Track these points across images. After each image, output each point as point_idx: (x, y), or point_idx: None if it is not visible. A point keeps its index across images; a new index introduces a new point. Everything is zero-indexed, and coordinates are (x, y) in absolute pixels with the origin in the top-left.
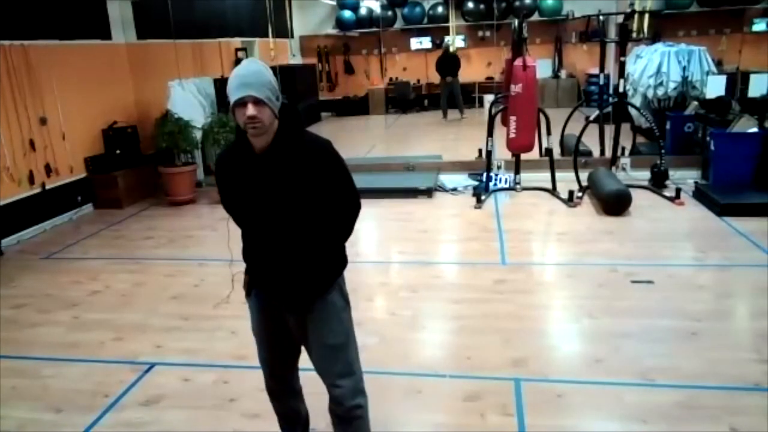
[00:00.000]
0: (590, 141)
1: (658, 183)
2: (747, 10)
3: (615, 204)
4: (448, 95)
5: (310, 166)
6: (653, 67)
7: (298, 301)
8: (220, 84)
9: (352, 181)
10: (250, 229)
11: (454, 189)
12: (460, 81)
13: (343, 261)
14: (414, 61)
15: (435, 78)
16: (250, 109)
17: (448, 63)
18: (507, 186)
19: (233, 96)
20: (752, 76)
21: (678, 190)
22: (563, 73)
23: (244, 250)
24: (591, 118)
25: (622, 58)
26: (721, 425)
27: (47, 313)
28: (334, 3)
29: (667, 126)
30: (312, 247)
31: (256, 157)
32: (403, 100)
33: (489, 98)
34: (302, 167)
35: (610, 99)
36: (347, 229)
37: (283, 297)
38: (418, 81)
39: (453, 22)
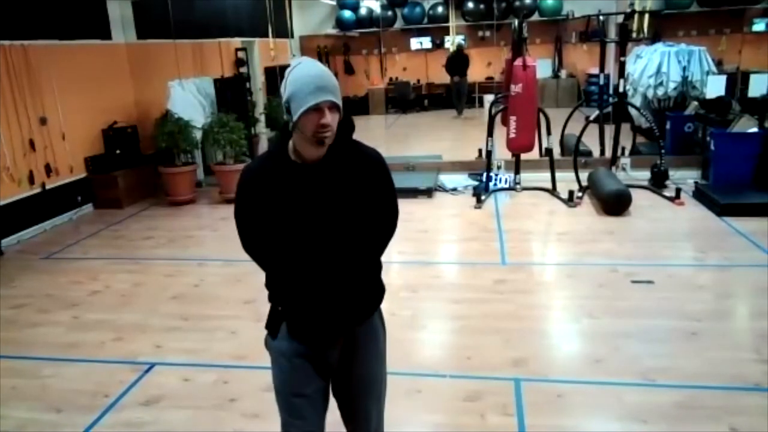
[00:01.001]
0: (590, 141)
1: (658, 183)
2: (747, 10)
3: (615, 204)
4: (458, 93)
5: (366, 177)
6: (653, 67)
7: (346, 327)
8: (220, 84)
9: (396, 195)
10: (289, 254)
11: (454, 189)
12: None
13: (383, 286)
14: (414, 61)
15: (435, 78)
16: (327, 116)
17: (456, 62)
18: (507, 186)
19: (308, 100)
20: (752, 76)
21: (678, 190)
22: (563, 73)
23: (275, 286)
24: (591, 118)
25: (622, 58)
26: (721, 425)
27: (47, 313)
28: (334, 3)
29: (667, 126)
30: (363, 267)
31: (306, 168)
32: (403, 100)
33: (489, 98)
34: (359, 178)
35: (610, 99)
36: (384, 245)
37: (331, 328)
38: (418, 81)
39: (453, 22)
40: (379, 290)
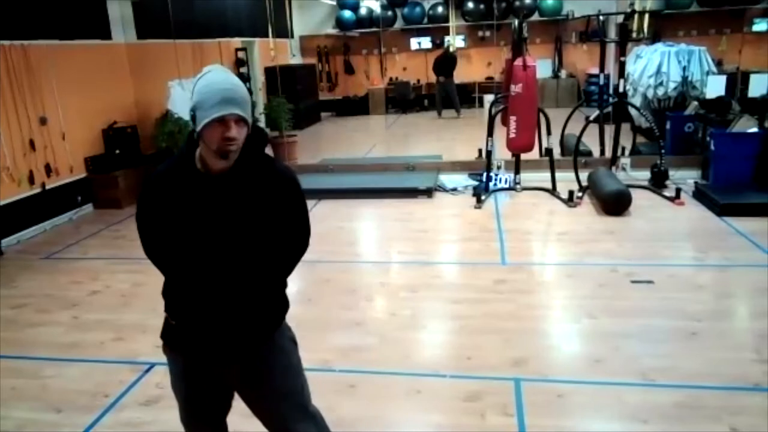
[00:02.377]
0: (590, 141)
1: (658, 183)
2: (747, 10)
3: (615, 204)
4: (444, 95)
5: (272, 193)
6: (653, 67)
7: (238, 347)
8: None
9: (308, 215)
10: (185, 264)
11: (454, 189)
12: (461, 81)
13: (286, 302)
14: (414, 61)
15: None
16: (233, 130)
17: (443, 63)
18: (507, 186)
19: (213, 112)
20: (752, 76)
21: (678, 190)
22: (563, 73)
23: (170, 293)
24: (591, 118)
25: (622, 58)
26: (721, 425)
27: (47, 313)
28: (334, 3)
29: (667, 126)
30: (260, 284)
31: (210, 179)
32: (403, 100)
33: (489, 98)
34: (264, 193)
35: (610, 99)
36: (291, 266)
37: (220, 346)
38: (418, 81)
39: (453, 22)
40: (280, 309)
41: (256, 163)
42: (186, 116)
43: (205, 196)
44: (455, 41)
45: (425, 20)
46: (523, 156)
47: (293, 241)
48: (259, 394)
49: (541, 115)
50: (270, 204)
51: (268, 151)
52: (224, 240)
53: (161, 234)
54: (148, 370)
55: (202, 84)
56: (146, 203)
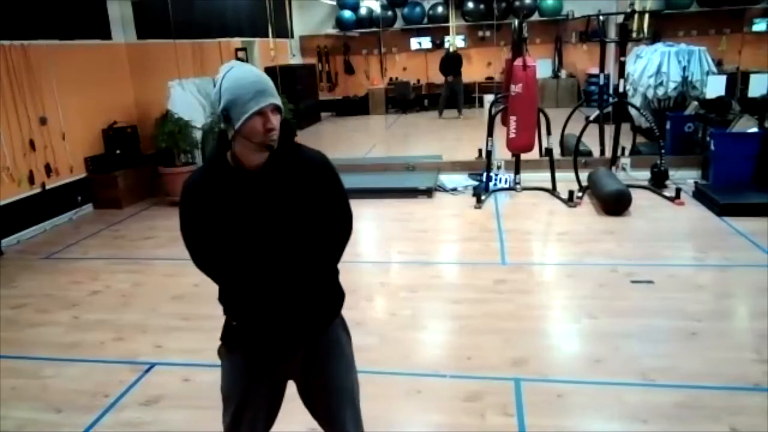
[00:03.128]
0: (590, 141)
1: (658, 183)
2: (747, 10)
3: (615, 204)
4: (449, 94)
5: (311, 180)
6: (653, 67)
7: (302, 336)
8: None
9: (347, 196)
10: (240, 265)
11: (454, 189)
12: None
13: (342, 291)
14: (414, 61)
15: (435, 78)
16: (273, 120)
17: (449, 63)
18: (507, 186)
19: (251, 106)
20: (752, 76)
21: (678, 190)
22: (563, 73)
23: (228, 297)
24: (591, 118)
25: (622, 58)
26: (721, 425)
27: (47, 313)
28: (334, 3)
29: (667, 126)
30: (315, 273)
31: (249, 176)
32: (403, 100)
33: (489, 98)
34: (304, 182)
35: (610, 99)
36: (340, 250)
37: (286, 338)
38: (418, 81)
39: (453, 22)
40: (337, 297)
41: (289, 154)
42: (186, 116)
43: (248, 193)
44: (455, 41)
45: (425, 20)
46: (523, 156)
47: (338, 223)
48: (316, 385)
49: (541, 115)
50: (309, 190)
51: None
52: (275, 234)
53: (211, 241)
54: (148, 370)
55: (230, 82)
56: (190, 213)
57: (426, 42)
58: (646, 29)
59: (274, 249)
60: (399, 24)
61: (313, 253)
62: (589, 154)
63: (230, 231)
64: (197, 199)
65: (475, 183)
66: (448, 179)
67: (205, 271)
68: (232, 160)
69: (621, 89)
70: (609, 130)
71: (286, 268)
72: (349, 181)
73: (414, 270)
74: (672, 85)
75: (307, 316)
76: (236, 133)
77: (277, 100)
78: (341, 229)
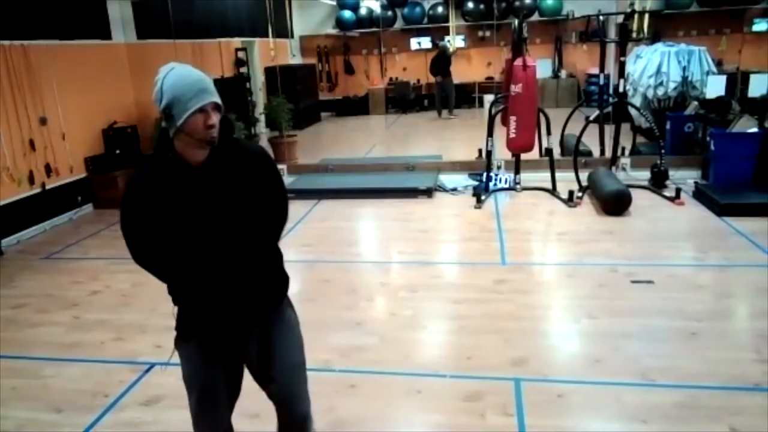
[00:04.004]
0: (590, 141)
1: (658, 183)
2: (747, 10)
3: (615, 204)
4: (443, 95)
5: (252, 172)
6: (653, 67)
7: (254, 320)
8: (220, 84)
9: (284, 185)
10: (189, 259)
11: (454, 189)
12: (461, 81)
13: (287, 276)
14: (414, 61)
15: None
16: (213, 117)
17: (439, 63)
18: (507, 186)
19: (194, 103)
20: (752, 76)
21: (678, 190)
22: (563, 73)
23: (178, 291)
24: (591, 118)
25: (622, 58)
26: (721, 425)
27: (47, 313)
28: (334, 3)
29: (667, 126)
30: (261, 259)
31: (192, 171)
32: (403, 100)
33: (489, 98)
34: (245, 174)
35: (610, 99)
36: (279, 233)
37: (238, 324)
38: (418, 81)
39: (453, 22)
40: (283, 280)
41: (228, 149)
42: None
43: (192, 188)
44: (455, 41)
45: (425, 20)
46: (523, 156)
47: (277, 210)
48: (272, 364)
49: (541, 115)
50: (251, 182)
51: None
52: (220, 224)
53: (156, 236)
54: (148, 370)
55: (171, 81)
56: (134, 209)
57: (426, 42)
58: (646, 29)
59: (220, 238)
60: (399, 24)
61: (257, 239)
62: (589, 154)
63: (177, 224)
64: (142, 195)
65: (475, 183)
66: (448, 179)
67: (145, 267)
68: (174, 157)
69: (621, 89)
70: (609, 130)
71: (233, 256)
72: (349, 181)
73: (414, 270)
74: (672, 85)
75: (257, 299)
76: (178, 131)
77: (217, 99)
78: (279, 215)
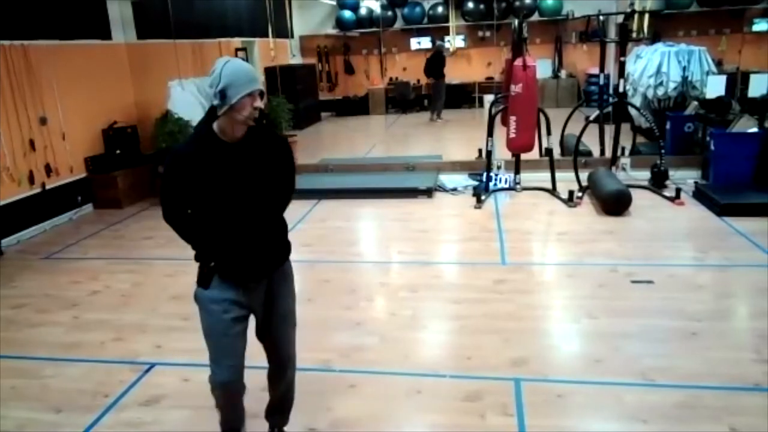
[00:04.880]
0: (590, 141)
1: (658, 183)
2: (747, 10)
3: (615, 204)
4: (435, 95)
5: (275, 152)
6: (653, 67)
7: (271, 267)
8: None
9: (295, 170)
10: (222, 218)
11: (454, 189)
12: (461, 81)
13: (289, 241)
14: (414, 61)
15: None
16: (258, 101)
17: (434, 64)
18: (507, 186)
19: (246, 88)
20: (752, 76)
21: (678, 190)
22: (563, 73)
23: (206, 246)
24: (591, 118)
25: (622, 58)
26: (721, 425)
27: (47, 313)
28: (334, 3)
29: (667, 126)
30: (278, 222)
31: (229, 146)
32: (403, 100)
33: (489, 98)
34: (270, 154)
35: (610, 99)
36: (287, 204)
37: (258, 269)
38: (418, 81)
39: (453, 22)
40: (288, 243)
41: (260, 133)
42: (186, 116)
43: (227, 160)
44: (455, 41)
45: (425, 20)
46: (523, 156)
47: (287, 186)
48: (272, 311)
49: (541, 115)
50: (273, 161)
51: None
52: (247, 192)
53: (188, 200)
54: (148, 370)
55: (229, 69)
56: (176, 176)
57: (426, 42)
58: (646, 29)
59: (246, 203)
60: (399, 24)
61: (276, 205)
62: (589, 154)
63: (211, 190)
64: (186, 164)
65: (475, 183)
66: (448, 179)
67: (173, 226)
68: (219, 130)
69: (621, 89)
70: (609, 130)
71: (256, 218)
72: (349, 181)
73: (414, 270)
74: (672, 85)
75: (271, 254)
76: (229, 109)
77: (263, 88)
78: (288, 190)
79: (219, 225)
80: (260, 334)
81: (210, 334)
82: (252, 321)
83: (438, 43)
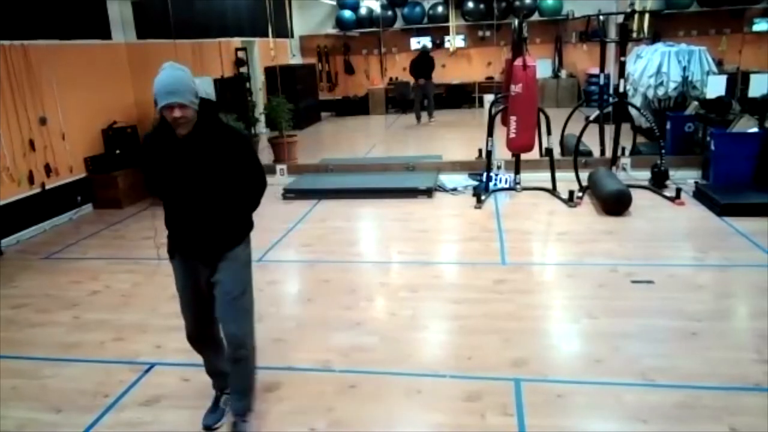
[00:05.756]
0: (590, 141)
1: (658, 183)
2: (747, 10)
3: (615, 204)
4: (422, 97)
5: (223, 148)
6: (653, 67)
7: (211, 254)
8: (220, 84)
9: (259, 162)
10: (172, 201)
11: (454, 189)
12: (461, 81)
13: (249, 225)
14: None
15: (434, 78)
16: (176, 112)
17: (421, 64)
18: (507, 186)
19: (161, 101)
20: (752, 76)
21: (678, 190)
22: (563, 73)
23: (167, 219)
24: (591, 118)
25: (622, 58)
26: (721, 425)
27: (47, 313)
28: (334, 3)
29: (668, 126)
30: (223, 213)
31: (178, 141)
32: (403, 100)
33: (489, 98)
34: (216, 149)
35: (610, 99)
36: (255, 201)
37: (200, 253)
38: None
39: (453, 22)
40: (244, 229)
41: (210, 128)
42: None
43: (177, 152)
44: (455, 41)
45: (425, 20)
46: (523, 156)
47: (252, 181)
48: (216, 293)
49: (541, 115)
50: (221, 154)
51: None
52: (195, 182)
53: (157, 180)
54: (148, 370)
55: (158, 79)
56: (145, 159)
57: (426, 42)
58: (646, 29)
59: (192, 193)
60: (399, 24)
61: (228, 198)
62: (589, 154)
63: (167, 176)
64: (147, 150)
65: (475, 183)
66: (448, 179)
67: (153, 195)
68: (167, 127)
69: (621, 89)
70: (609, 130)
71: (203, 206)
72: (349, 181)
73: (414, 270)
74: (672, 85)
75: (211, 240)
76: (159, 112)
77: (182, 99)
78: (255, 184)
79: (169, 204)
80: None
81: (179, 293)
82: None
83: (423, 44)
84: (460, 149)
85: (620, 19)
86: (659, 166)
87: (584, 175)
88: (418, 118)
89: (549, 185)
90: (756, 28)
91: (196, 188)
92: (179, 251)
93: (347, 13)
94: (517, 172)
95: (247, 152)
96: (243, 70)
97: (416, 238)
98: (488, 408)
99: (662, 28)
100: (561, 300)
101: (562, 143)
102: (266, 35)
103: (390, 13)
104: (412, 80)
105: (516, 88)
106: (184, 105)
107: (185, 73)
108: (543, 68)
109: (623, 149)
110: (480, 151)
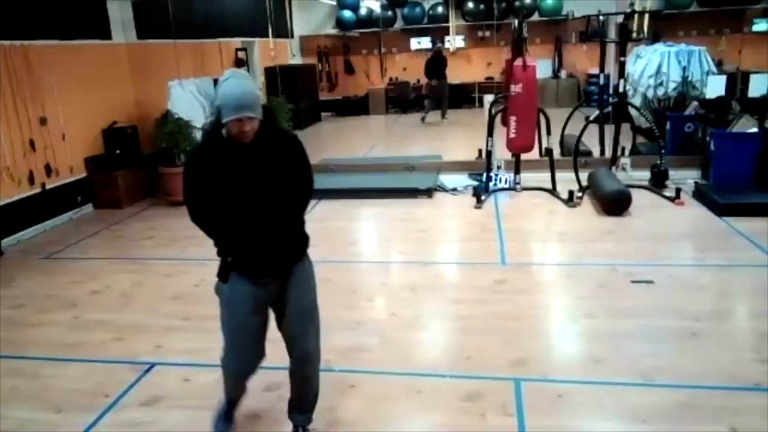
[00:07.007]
0: (590, 141)
1: (658, 183)
2: (747, 10)
3: (615, 204)
4: (437, 97)
5: (286, 153)
6: (653, 67)
7: (287, 265)
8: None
9: (311, 168)
10: (237, 215)
11: (454, 189)
12: (461, 81)
13: (307, 236)
14: (414, 61)
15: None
16: (246, 125)
17: (437, 64)
18: (507, 186)
19: (231, 114)
20: (752, 76)
21: (678, 190)
22: (563, 73)
23: (227, 242)
24: (591, 118)
25: (622, 58)
26: (721, 425)
27: (47, 313)
28: (334, 3)
29: (667, 126)
30: (292, 218)
31: (242, 148)
32: (403, 100)
33: (489, 98)
34: (278, 154)
35: (610, 99)
36: (306, 204)
37: (275, 267)
38: (418, 81)
39: (453, 22)
40: (305, 239)
41: (271, 134)
42: (186, 116)
43: (240, 162)
44: (455, 41)
45: (425, 20)
46: (523, 156)
47: (304, 185)
48: (288, 308)
49: (541, 115)
50: (285, 160)
51: None
52: (260, 191)
53: (210, 200)
54: (148, 370)
55: (222, 90)
56: (194, 178)
57: (426, 42)
58: (646, 29)
59: (259, 202)
60: (399, 24)
61: (290, 204)
62: (589, 154)
63: (227, 189)
64: (201, 166)
65: (475, 183)
66: (448, 179)
67: (199, 225)
68: (228, 138)
69: (621, 89)
70: (609, 130)
71: (267, 216)
72: (349, 181)
73: (414, 270)
74: (672, 85)
75: (285, 252)
76: (223, 124)
77: (253, 113)
78: (306, 189)
79: (233, 222)
80: (279, 328)
81: (226, 325)
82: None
83: (438, 44)
84: (460, 149)
85: (620, 19)
86: (659, 166)
87: (584, 175)
88: (423, 118)
89: (549, 185)
90: (756, 28)
91: (266, 196)
92: (249, 272)
93: (347, 14)
94: (517, 172)
95: (303, 154)
96: (243, 70)
97: (416, 238)
98: (488, 408)
99: (662, 28)
100: (561, 300)
101: (562, 143)
102: (266, 35)
103: (390, 13)
104: (412, 80)
105: (516, 89)
106: (253, 118)
107: (252, 82)
108: (543, 68)
109: (623, 149)
110: (480, 151)
